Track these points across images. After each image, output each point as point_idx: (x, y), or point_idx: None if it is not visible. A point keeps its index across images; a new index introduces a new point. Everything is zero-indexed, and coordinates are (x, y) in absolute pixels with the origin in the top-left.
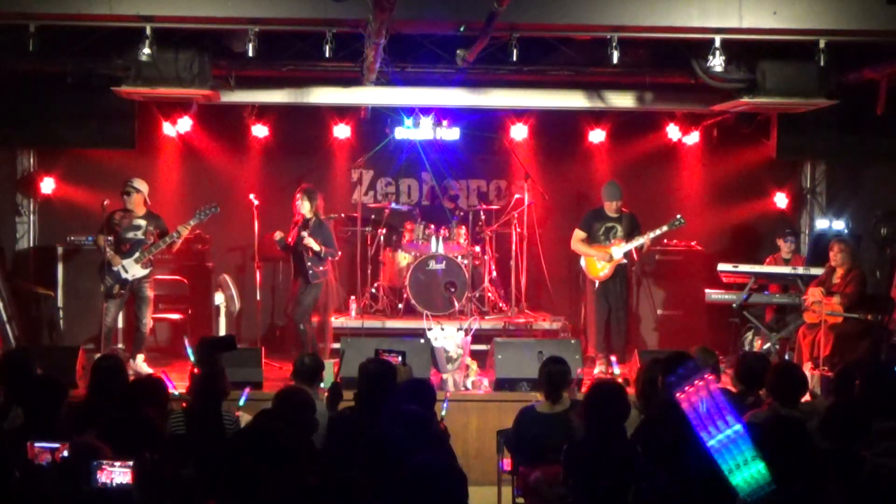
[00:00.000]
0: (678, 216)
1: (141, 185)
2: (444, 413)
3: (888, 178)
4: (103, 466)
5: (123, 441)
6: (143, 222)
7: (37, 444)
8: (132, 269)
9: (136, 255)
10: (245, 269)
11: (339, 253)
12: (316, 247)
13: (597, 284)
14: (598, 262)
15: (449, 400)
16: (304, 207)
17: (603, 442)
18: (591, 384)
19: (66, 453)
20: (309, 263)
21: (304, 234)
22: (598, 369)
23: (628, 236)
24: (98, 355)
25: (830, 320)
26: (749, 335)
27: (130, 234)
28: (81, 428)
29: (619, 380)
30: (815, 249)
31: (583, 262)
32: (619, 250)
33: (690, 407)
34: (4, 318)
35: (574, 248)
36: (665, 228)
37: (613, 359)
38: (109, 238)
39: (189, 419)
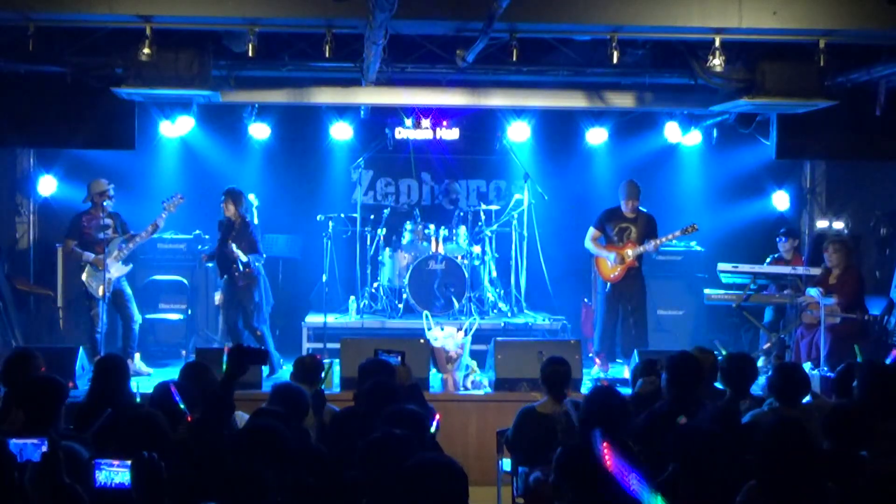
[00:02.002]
0: (692, 223)
1: None
2: (433, 431)
3: (888, 178)
4: (102, 466)
5: (128, 442)
6: (110, 221)
7: (12, 441)
8: (114, 269)
9: (115, 253)
10: None
11: (264, 256)
12: (244, 258)
13: (608, 286)
14: (610, 264)
15: (439, 422)
16: (229, 210)
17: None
18: (590, 389)
19: (44, 448)
20: (234, 265)
21: (233, 245)
22: (596, 371)
23: (643, 238)
24: (99, 356)
25: (829, 320)
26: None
27: (102, 235)
28: (82, 428)
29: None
30: (815, 249)
31: (594, 262)
32: (632, 253)
33: (612, 463)
34: (5, 318)
35: (587, 247)
36: (677, 233)
37: (618, 361)
38: (74, 242)
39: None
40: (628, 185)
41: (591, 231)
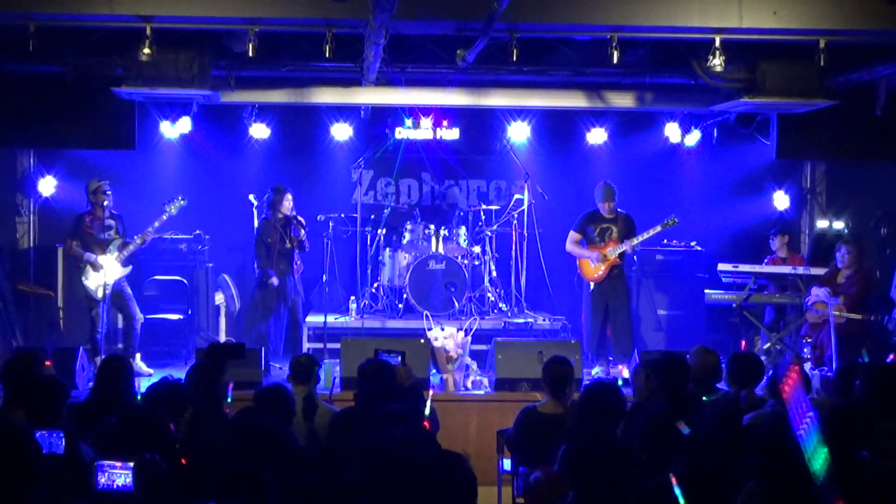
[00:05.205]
0: (672, 216)
1: None
2: (427, 412)
3: (888, 178)
4: (104, 468)
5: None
6: (112, 222)
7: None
8: (114, 270)
9: (116, 254)
10: (245, 269)
11: None
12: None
13: (592, 286)
14: (592, 264)
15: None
16: (286, 207)
17: (600, 442)
18: (586, 385)
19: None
20: (298, 262)
21: (303, 235)
22: (596, 370)
23: (624, 237)
24: (103, 356)
25: (834, 320)
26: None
27: (103, 236)
28: (85, 429)
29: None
30: (816, 249)
31: (578, 264)
32: (613, 251)
33: (791, 394)
34: (5, 318)
35: (568, 250)
36: (658, 228)
37: (611, 359)
38: (76, 242)
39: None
40: (603, 188)
41: (572, 234)
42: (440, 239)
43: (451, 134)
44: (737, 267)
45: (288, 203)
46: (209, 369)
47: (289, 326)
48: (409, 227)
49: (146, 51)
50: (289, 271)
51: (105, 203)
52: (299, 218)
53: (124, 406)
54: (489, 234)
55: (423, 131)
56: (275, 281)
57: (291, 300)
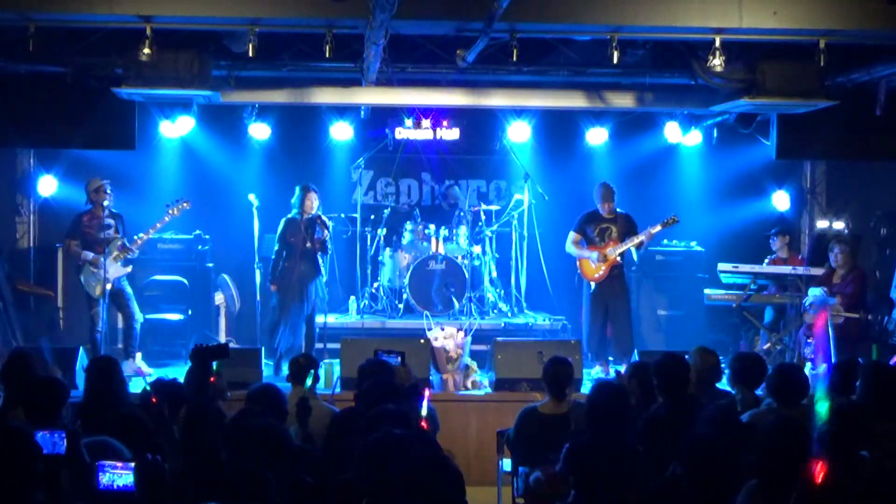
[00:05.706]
0: (672, 215)
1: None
2: (424, 412)
3: (888, 178)
4: (106, 468)
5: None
6: (111, 221)
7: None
8: (114, 269)
9: (115, 253)
10: (245, 269)
11: None
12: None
13: (592, 286)
14: (593, 264)
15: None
16: (316, 204)
17: (604, 442)
18: (593, 385)
19: (65, 441)
20: (319, 262)
21: (327, 235)
22: (596, 370)
23: (624, 237)
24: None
25: (833, 320)
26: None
27: (103, 235)
28: (84, 428)
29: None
30: (816, 249)
31: (578, 264)
32: (613, 251)
33: (819, 334)
34: (5, 318)
35: (568, 250)
36: (658, 227)
37: (611, 359)
38: (76, 242)
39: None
40: (602, 188)
41: (572, 235)
42: (440, 239)
43: (451, 134)
44: (737, 267)
45: (310, 202)
46: (195, 371)
47: (306, 328)
48: (409, 227)
49: (146, 51)
50: (311, 272)
51: (105, 202)
52: (324, 218)
53: (116, 407)
54: (489, 234)
55: (423, 131)
56: (273, 288)
57: (312, 302)
